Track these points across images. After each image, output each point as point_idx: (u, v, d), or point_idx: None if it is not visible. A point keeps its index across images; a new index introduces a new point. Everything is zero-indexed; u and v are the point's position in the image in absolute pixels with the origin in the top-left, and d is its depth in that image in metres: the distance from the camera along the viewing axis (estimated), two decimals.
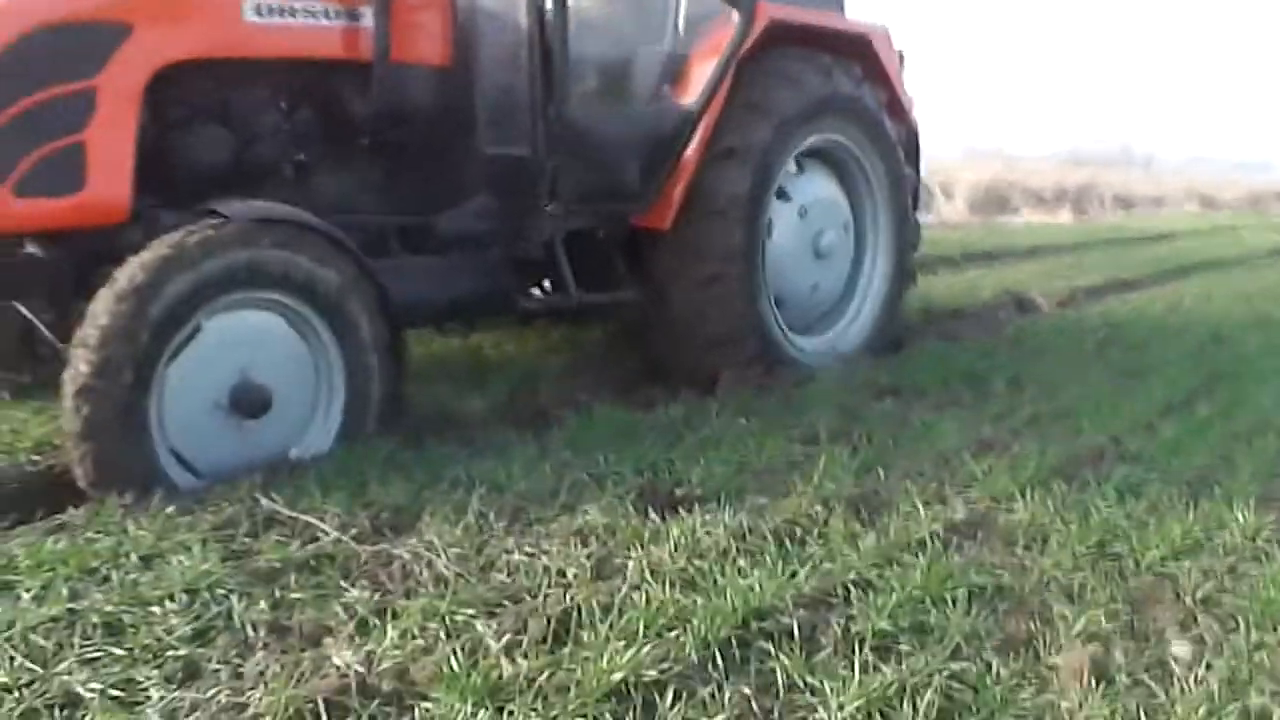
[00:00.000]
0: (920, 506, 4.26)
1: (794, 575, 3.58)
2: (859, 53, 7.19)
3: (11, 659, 2.99)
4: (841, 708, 2.88)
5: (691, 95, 6.35)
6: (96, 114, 4.93)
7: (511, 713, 2.75)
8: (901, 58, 7.72)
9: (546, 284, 6.49)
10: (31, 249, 5.20)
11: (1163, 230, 21.76)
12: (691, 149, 6.29)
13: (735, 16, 6.31)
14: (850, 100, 6.98)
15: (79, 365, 4.36)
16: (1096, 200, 29.21)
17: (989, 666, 3.15)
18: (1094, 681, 3.10)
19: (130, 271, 4.48)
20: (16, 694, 2.83)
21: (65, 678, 2.90)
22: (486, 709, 2.75)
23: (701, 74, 6.35)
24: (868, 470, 4.74)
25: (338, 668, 2.91)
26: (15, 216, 4.91)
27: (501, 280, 6.17)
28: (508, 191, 6.14)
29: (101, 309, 4.42)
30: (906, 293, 7.81)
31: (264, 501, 4.11)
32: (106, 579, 3.49)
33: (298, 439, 4.88)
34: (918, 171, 7.95)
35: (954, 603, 3.47)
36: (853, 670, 3.03)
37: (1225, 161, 51.83)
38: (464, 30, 6.13)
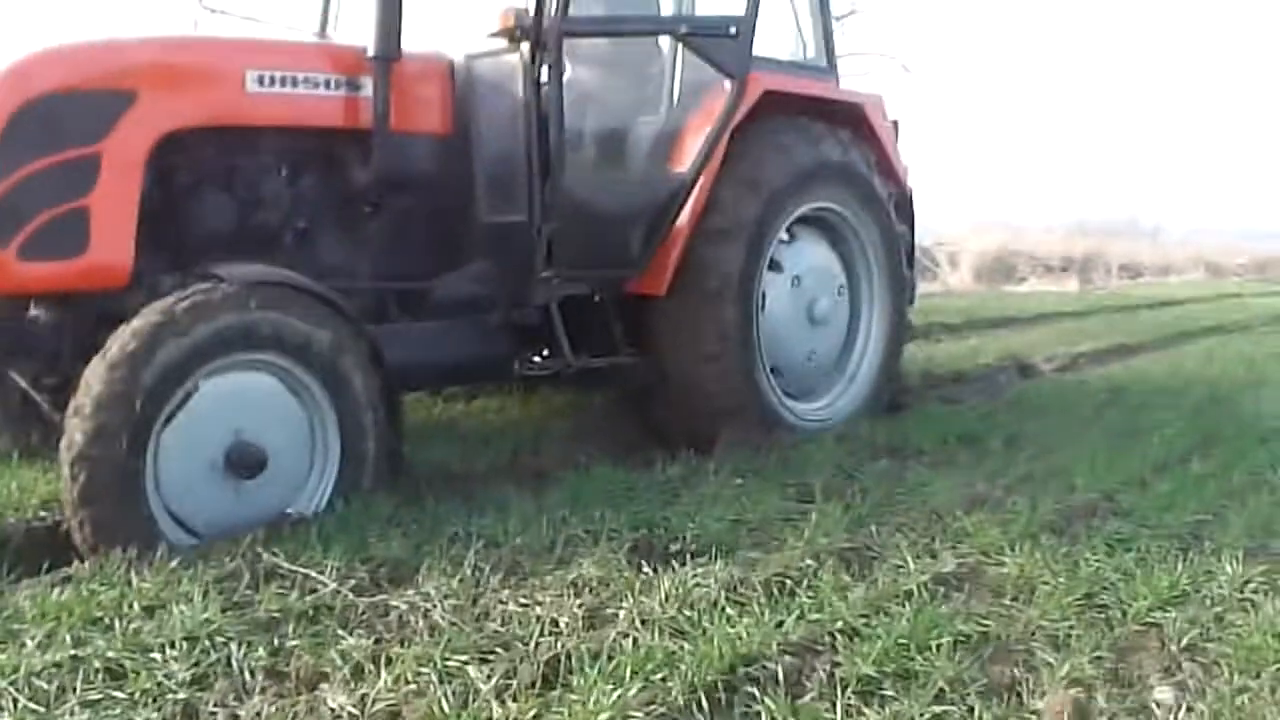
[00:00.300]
0: (910, 559, 4.32)
1: (781, 624, 3.64)
2: (852, 121, 7.29)
3: (15, 701, 3.09)
4: None
5: (685, 164, 6.45)
6: (100, 180, 5.06)
7: None
8: (896, 126, 7.83)
9: (545, 350, 6.52)
10: (36, 312, 5.30)
11: (1167, 297, 21.87)
12: (685, 218, 6.39)
13: (728, 85, 6.44)
14: (842, 168, 7.08)
15: (74, 433, 4.42)
16: (1103, 268, 29.34)
17: (971, 710, 3.19)
18: None
19: (122, 339, 4.54)
20: None
21: (67, 719, 2.97)
22: None
23: (696, 144, 6.45)
24: (860, 525, 4.80)
25: (332, 710, 2.99)
26: (19, 279, 5.02)
27: (499, 345, 6.26)
28: (505, 258, 6.23)
29: (94, 377, 4.48)
30: (902, 354, 7.88)
31: (265, 555, 4.21)
32: (109, 627, 3.58)
33: (294, 497, 4.93)
34: (912, 233, 8.00)
35: (939, 650, 3.52)
36: (836, 713, 3.09)
37: (1232, 230, 51.97)
38: (463, 100, 6.26)
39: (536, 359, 6.37)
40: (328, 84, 5.78)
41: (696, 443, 6.32)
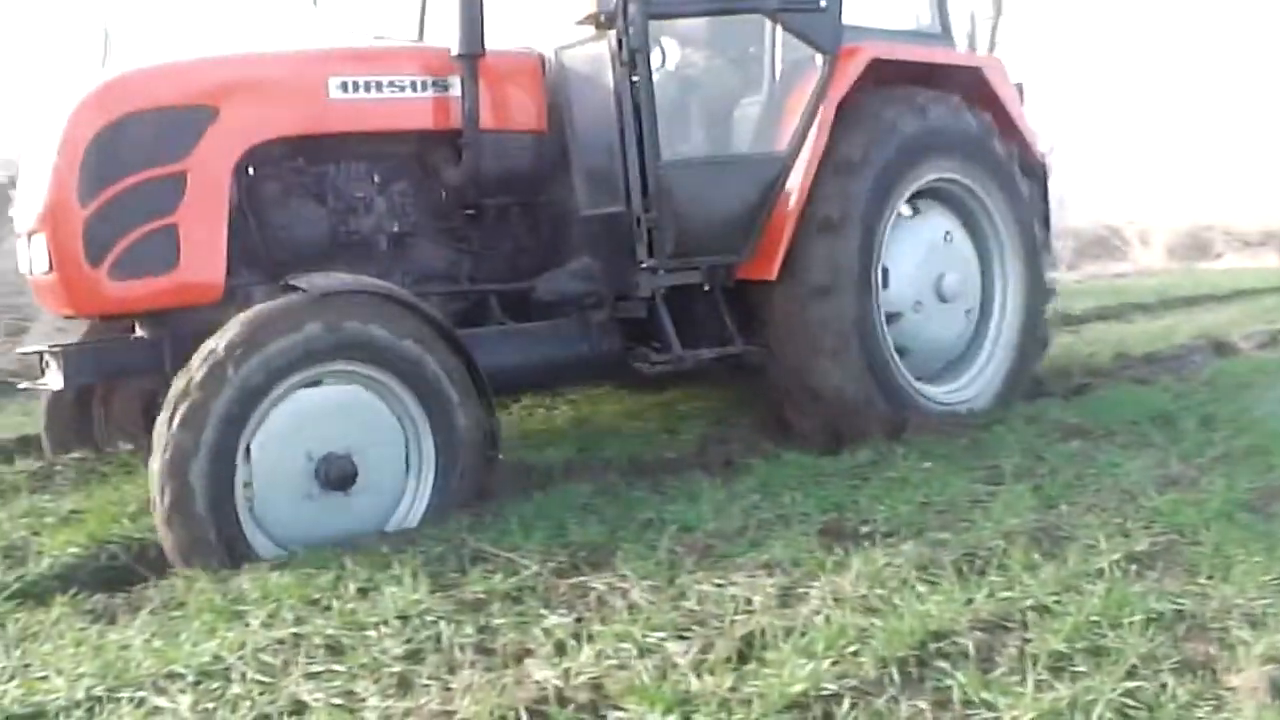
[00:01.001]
0: (1101, 538, 4.31)
1: (971, 601, 3.69)
2: (971, 86, 7.00)
3: (244, 674, 3.36)
4: None
5: (787, 143, 6.26)
6: (186, 196, 5.16)
7: None
8: (1021, 89, 7.49)
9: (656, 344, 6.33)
10: (140, 331, 5.44)
11: None
12: (792, 200, 6.19)
13: (819, 60, 6.28)
14: (957, 136, 6.78)
15: (160, 449, 4.46)
16: None
17: (1164, 686, 3.19)
18: (1272, 700, 3.14)
19: (203, 354, 4.58)
20: (249, 702, 3.19)
21: (293, 689, 3.24)
22: (675, 717, 2.96)
23: (797, 121, 6.25)
24: (1050, 506, 4.81)
25: (538, 682, 3.15)
26: (112, 298, 5.15)
27: (607, 342, 6.21)
28: (606, 251, 6.17)
29: (178, 393, 4.52)
30: (1045, 325, 7.49)
31: (470, 540, 4.44)
32: (327, 607, 3.86)
33: (390, 508, 4.91)
34: (1045, 199, 7.64)
35: (1132, 627, 3.51)
36: (1027, 688, 3.13)
37: None
38: (555, 93, 6.24)
39: (651, 355, 6.24)
40: (414, 86, 5.82)
41: (831, 440, 6.20)
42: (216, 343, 4.58)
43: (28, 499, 5.64)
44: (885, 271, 6.53)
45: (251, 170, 5.54)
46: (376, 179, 5.96)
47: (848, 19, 6.42)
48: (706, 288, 6.30)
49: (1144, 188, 26.53)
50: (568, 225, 6.32)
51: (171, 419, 4.47)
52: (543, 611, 3.77)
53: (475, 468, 5.02)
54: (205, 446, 4.44)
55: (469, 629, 3.63)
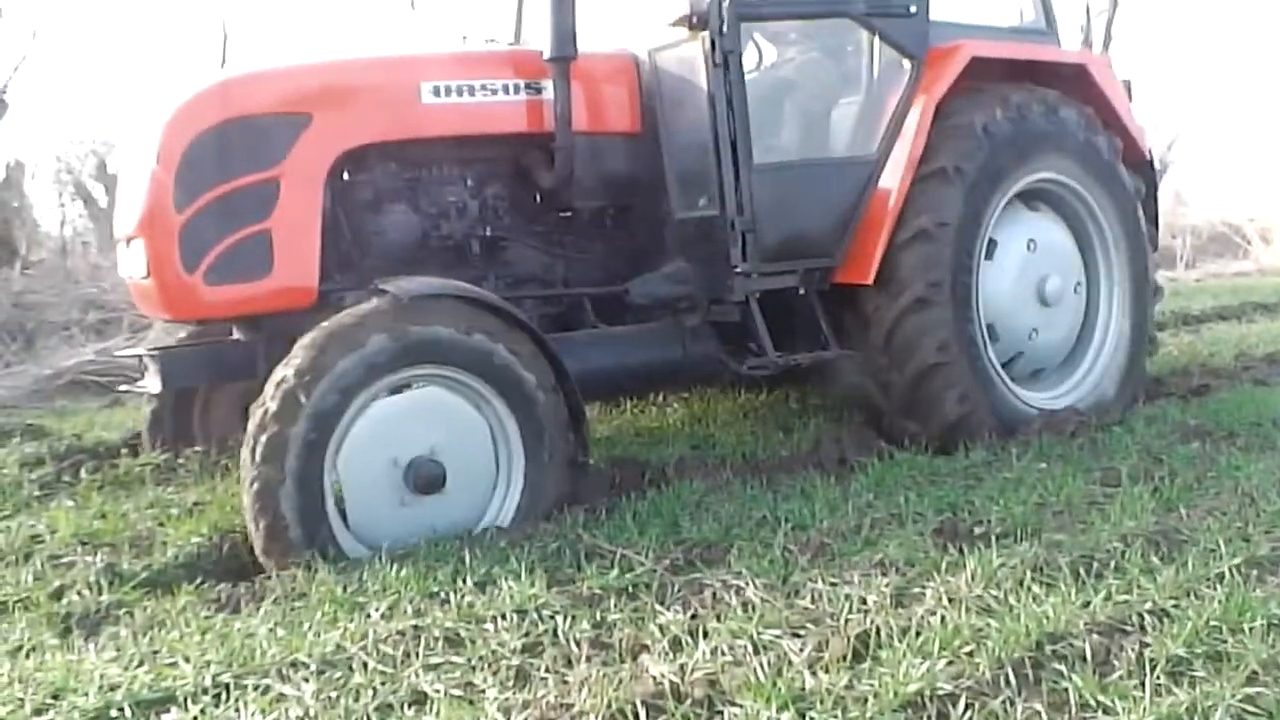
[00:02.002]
0: (1221, 542, 4.25)
1: (1089, 604, 3.68)
2: (1076, 83, 6.85)
3: (365, 664, 3.47)
4: None
5: (881, 146, 6.24)
6: (280, 202, 5.23)
7: (813, 718, 2.98)
8: (1128, 86, 7.33)
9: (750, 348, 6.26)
10: (237, 335, 5.57)
11: None
12: (889, 203, 6.11)
13: (906, 64, 6.26)
14: (1059, 135, 6.61)
15: (251, 446, 4.54)
16: None
17: None
18: None
19: (293, 355, 4.64)
20: (371, 691, 3.29)
21: (413, 680, 3.34)
22: (790, 714, 2.99)
23: (891, 124, 6.24)
24: (1169, 509, 4.76)
25: (654, 677, 3.20)
26: (207, 305, 5.24)
27: (701, 346, 6.18)
28: (700, 254, 6.13)
29: (269, 393, 4.60)
30: (1152, 326, 7.33)
31: (585, 536, 4.52)
32: (446, 600, 3.97)
33: (478, 510, 4.94)
34: (1155, 198, 7.47)
35: (1252, 632, 3.48)
36: (1145, 692, 3.11)
37: None
38: (649, 95, 6.21)
39: (747, 358, 6.17)
40: (506, 89, 5.83)
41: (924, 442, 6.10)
42: (285, 370, 4.62)
43: (153, 491, 5.81)
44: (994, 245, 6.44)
45: (345, 176, 5.62)
46: (469, 183, 6.00)
47: (950, 16, 6.45)
48: (801, 291, 6.25)
49: (1267, 184, 25.91)
50: (661, 228, 6.30)
51: (254, 452, 4.52)
52: (658, 608, 3.82)
53: (562, 472, 5.03)
54: (291, 475, 4.50)
55: (585, 624, 3.70)
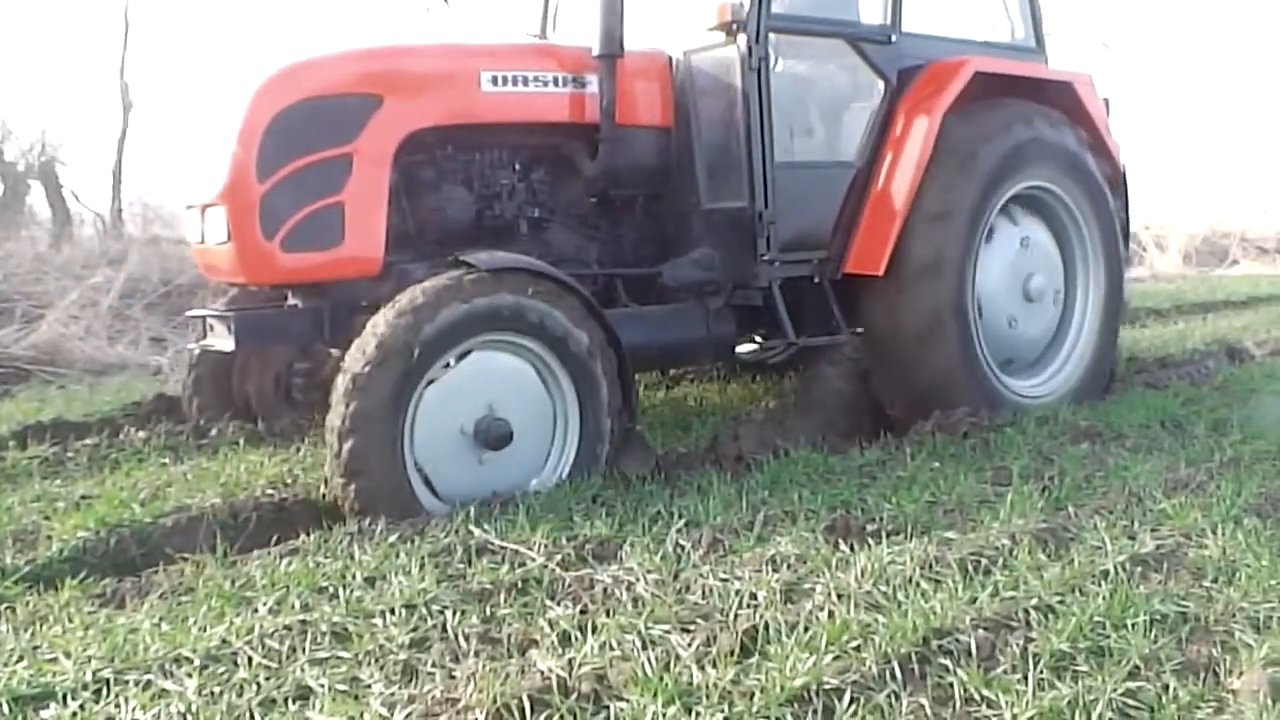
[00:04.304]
0: (1108, 540, 4.32)
1: (975, 600, 3.71)
2: (1063, 100, 7.34)
3: (250, 659, 3.39)
4: (1016, 719, 3.00)
5: (888, 151, 6.69)
6: (353, 176, 5.51)
7: (699, 714, 2.97)
8: (1107, 104, 7.83)
9: (765, 331, 6.82)
10: (294, 301, 5.84)
11: None
12: (900, 200, 6.54)
13: (880, 85, 6.77)
14: (1054, 146, 7.10)
15: (352, 366, 4.83)
16: None
17: (1166, 688, 3.20)
18: (1272, 703, 3.14)
19: (412, 294, 4.97)
20: (255, 686, 3.22)
21: (298, 675, 3.27)
22: (677, 709, 2.97)
23: (897, 132, 6.70)
24: (1058, 507, 4.83)
25: (542, 672, 3.17)
26: (283, 270, 5.51)
27: (723, 327, 6.54)
28: (727, 242, 6.48)
29: (382, 321, 4.91)
30: (1118, 334, 7.84)
31: (477, 532, 4.47)
32: (334, 595, 3.90)
33: (535, 471, 5.29)
34: (1127, 211, 7.99)
35: (1135, 628, 3.53)
36: (1029, 686, 3.14)
37: None
38: (681, 93, 6.55)
39: (759, 340, 6.72)
40: (556, 82, 6.17)
41: (915, 418, 6.47)
42: (422, 288, 5.03)
43: (39, 484, 5.67)
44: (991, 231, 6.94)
45: (407, 155, 5.85)
46: (518, 167, 6.39)
47: (953, 32, 7.29)
48: (816, 280, 6.69)
49: (1161, 193, 26.42)
50: (689, 217, 6.66)
51: (367, 344, 4.87)
52: (548, 603, 3.79)
53: (614, 439, 5.44)
54: (393, 374, 4.82)
55: (474, 619, 3.66)
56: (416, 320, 4.88)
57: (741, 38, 6.21)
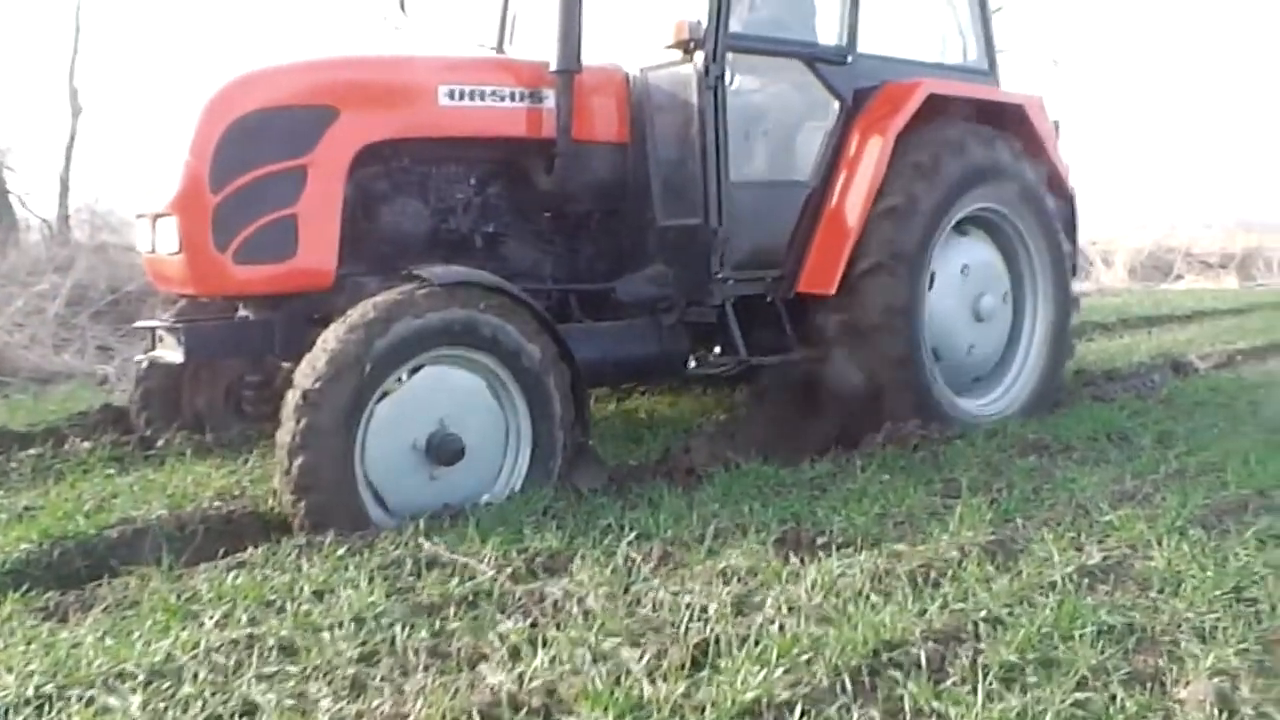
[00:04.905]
0: (1055, 552, 4.35)
1: (925, 612, 3.73)
2: (1015, 122, 7.42)
3: (196, 674, 3.35)
4: None
5: (840, 173, 6.75)
6: (307, 189, 5.48)
7: None
8: (1057, 126, 7.91)
9: (718, 348, 6.76)
10: (244, 313, 5.80)
11: None
12: (853, 220, 6.57)
13: (835, 105, 6.81)
14: (1008, 168, 7.17)
15: (302, 381, 4.78)
16: (1263, 265, 28.39)
17: (1114, 698, 3.22)
18: (1219, 712, 3.17)
19: (364, 309, 4.94)
20: (201, 702, 3.18)
21: (245, 690, 3.23)
22: None
23: (833, 151, 6.79)
24: (1006, 519, 4.86)
25: (492, 686, 3.16)
26: (235, 282, 5.46)
27: (676, 343, 6.54)
28: (681, 259, 6.48)
29: (333, 335, 4.87)
30: (1067, 355, 7.93)
31: (426, 545, 4.44)
32: (281, 609, 3.86)
33: (487, 486, 5.26)
34: (1074, 238, 8.06)
35: (1083, 639, 3.55)
36: (978, 697, 3.15)
37: None
38: (638, 109, 6.54)
39: (711, 357, 6.64)
40: (513, 96, 6.14)
41: (854, 426, 6.52)
42: (374, 302, 5.00)
43: None
44: (932, 277, 6.95)
45: (362, 168, 5.81)
46: (473, 181, 6.35)
47: (909, 54, 7.35)
48: (769, 299, 6.71)
49: (1108, 209, 26.70)
50: (645, 233, 6.65)
51: (318, 359, 4.83)
52: (498, 616, 3.77)
53: (567, 454, 5.42)
54: (344, 390, 4.78)
55: (424, 633, 3.63)
56: (368, 335, 4.85)
57: (699, 56, 6.21)
